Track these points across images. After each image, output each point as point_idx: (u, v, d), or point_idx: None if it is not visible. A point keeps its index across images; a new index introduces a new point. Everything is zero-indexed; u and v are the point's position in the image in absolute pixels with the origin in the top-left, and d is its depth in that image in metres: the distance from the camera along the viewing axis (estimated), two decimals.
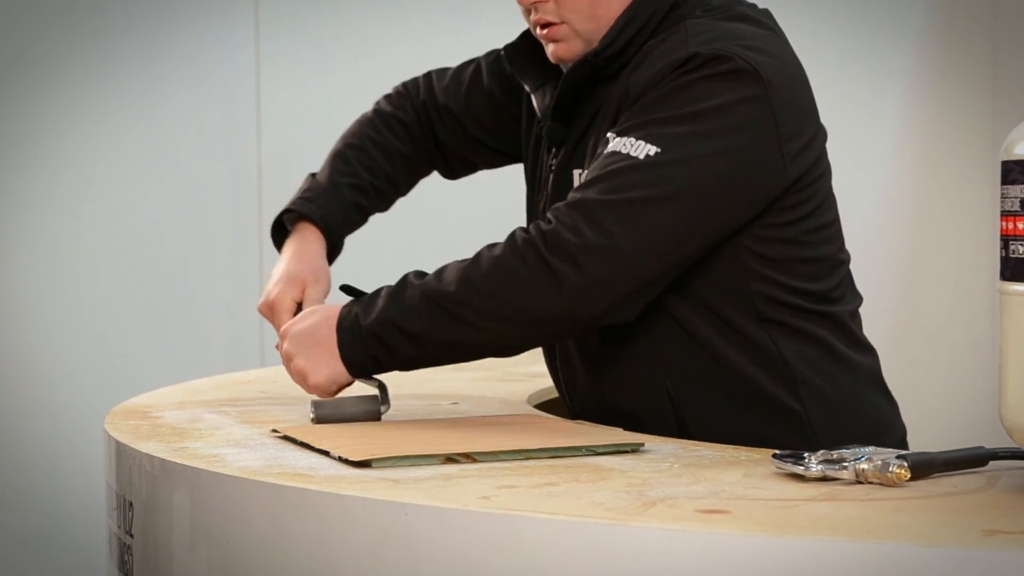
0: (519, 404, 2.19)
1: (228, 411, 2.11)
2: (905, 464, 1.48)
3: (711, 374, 1.98)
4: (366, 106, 2.60)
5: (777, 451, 1.58)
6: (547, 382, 2.45)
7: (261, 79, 4.27)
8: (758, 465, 1.62)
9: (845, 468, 1.50)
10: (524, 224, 2.20)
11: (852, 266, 2.18)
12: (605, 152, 1.92)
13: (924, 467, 1.51)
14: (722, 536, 1.31)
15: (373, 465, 1.63)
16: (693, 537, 1.31)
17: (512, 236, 1.92)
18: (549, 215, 1.91)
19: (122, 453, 1.86)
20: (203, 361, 4.08)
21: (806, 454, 1.53)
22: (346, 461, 1.66)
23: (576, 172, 2.04)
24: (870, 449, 1.53)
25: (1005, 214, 1.43)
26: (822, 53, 4.68)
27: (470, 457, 1.67)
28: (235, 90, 4.26)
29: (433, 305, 1.90)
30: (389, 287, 1.96)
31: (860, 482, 1.49)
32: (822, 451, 1.53)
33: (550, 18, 2.04)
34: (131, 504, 1.82)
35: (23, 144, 4.12)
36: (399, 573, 1.44)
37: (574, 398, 2.12)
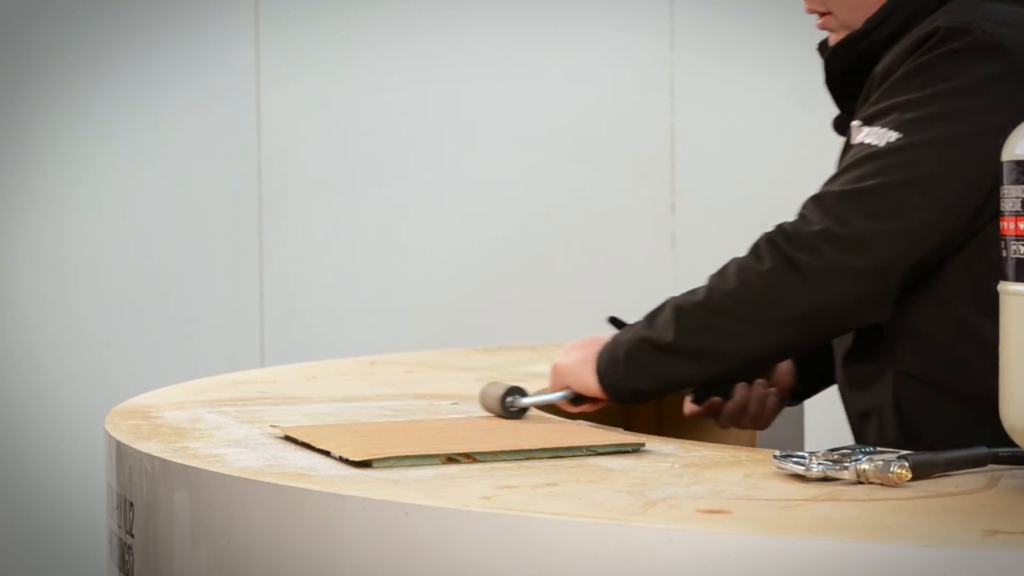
0: None
1: (228, 411, 2.11)
2: (906, 464, 1.48)
3: (942, 375, 1.87)
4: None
5: (777, 451, 1.58)
6: (547, 382, 2.45)
7: (261, 79, 4.27)
8: (758, 465, 1.62)
9: (846, 468, 1.49)
10: None
11: None
12: (854, 142, 1.86)
13: (925, 467, 1.51)
14: (722, 536, 1.31)
15: (373, 465, 1.63)
16: (693, 537, 1.31)
17: (757, 239, 1.88)
18: (799, 211, 1.86)
19: (122, 453, 1.86)
20: (203, 361, 4.08)
21: (807, 454, 1.53)
22: (346, 461, 1.66)
23: None
24: (871, 449, 1.53)
25: (1005, 214, 1.43)
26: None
27: (471, 457, 1.67)
28: (235, 90, 4.26)
29: (683, 315, 1.87)
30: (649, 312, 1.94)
31: (861, 482, 1.49)
32: (823, 451, 1.53)
33: (817, 7, 1.99)
34: (131, 504, 1.82)
35: (23, 144, 4.12)
36: (399, 573, 1.44)
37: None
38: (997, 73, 1.79)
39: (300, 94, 4.29)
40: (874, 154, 1.80)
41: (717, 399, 2.16)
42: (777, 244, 1.82)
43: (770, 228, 1.87)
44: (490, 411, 1.98)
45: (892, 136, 1.80)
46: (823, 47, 2.08)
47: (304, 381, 2.53)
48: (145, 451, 1.78)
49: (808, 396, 2.24)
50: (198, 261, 4.25)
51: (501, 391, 1.96)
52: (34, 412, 4.10)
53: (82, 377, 4.10)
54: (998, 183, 1.64)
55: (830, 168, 1.96)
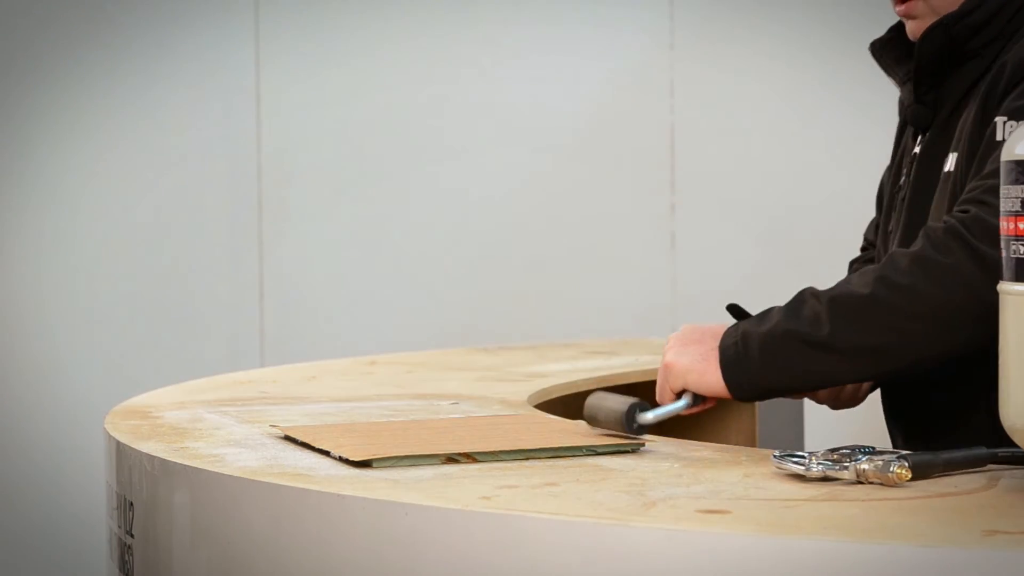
0: (519, 404, 2.19)
1: (228, 411, 2.11)
2: (906, 464, 1.48)
3: None
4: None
5: (777, 451, 1.58)
6: (547, 382, 2.45)
7: (261, 79, 4.27)
8: (758, 465, 1.62)
9: (846, 468, 1.49)
10: (865, 228, 2.07)
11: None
12: (1003, 138, 1.74)
13: (925, 467, 1.51)
14: (722, 536, 1.31)
15: (373, 465, 1.63)
16: (693, 537, 1.31)
17: (927, 230, 1.73)
18: (963, 206, 1.72)
19: (122, 453, 1.86)
20: (203, 361, 4.08)
21: (807, 454, 1.53)
22: (346, 461, 1.66)
23: (952, 156, 1.88)
24: (871, 449, 1.53)
25: (1005, 214, 1.43)
26: (820, 51, 4.68)
27: (470, 457, 1.67)
28: (235, 90, 4.26)
29: (843, 309, 1.71)
30: (783, 304, 1.78)
31: (861, 482, 1.49)
32: (823, 451, 1.53)
33: None
34: (131, 504, 1.82)
35: (23, 143, 4.12)
36: (399, 573, 1.44)
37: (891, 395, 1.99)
38: None
39: (300, 94, 4.29)
40: None
41: None
42: (961, 236, 1.68)
43: (942, 220, 1.74)
44: (606, 428, 1.77)
45: None
46: (876, 46, 2.02)
47: (304, 381, 2.53)
48: (145, 451, 1.78)
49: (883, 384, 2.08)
50: (198, 261, 4.25)
51: (624, 407, 1.75)
52: (34, 412, 4.10)
53: (82, 377, 4.10)
54: None
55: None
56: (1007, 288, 1.44)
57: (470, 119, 4.38)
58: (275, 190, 4.29)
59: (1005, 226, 1.43)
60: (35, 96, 4.11)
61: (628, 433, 1.74)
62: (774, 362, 1.74)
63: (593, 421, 1.79)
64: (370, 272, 4.34)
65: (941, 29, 1.90)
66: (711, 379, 1.78)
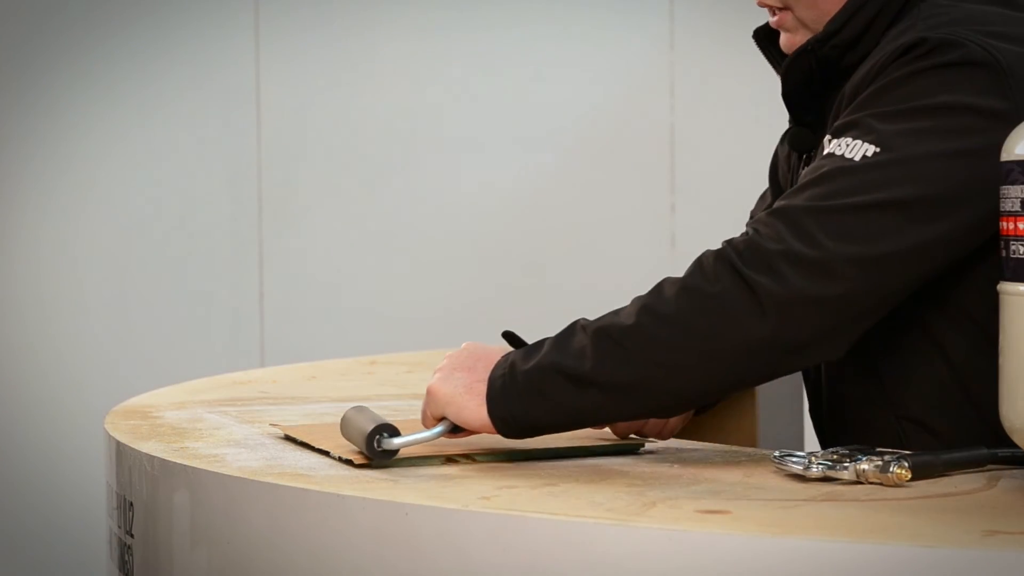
0: None
1: (228, 411, 2.11)
2: (906, 465, 1.48)
3: (967, 413, 1.68)
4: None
5: (777, 451, 1.58)
6: None
7: (261, 79, 4.27)
8: (758, 465, 1.62)
9: (845, 468, 1.49)
10: (754, 205, 2.01)
11: None
12: (821, 155, 1.66)
13: (925, 468, 1.51)
14: (722, 536, 1.31)
15: (373, 466, 1.63)
16: (693, 537, 1.31)
17: (701, 256, 1.62)
18: (748, 227, 1.63)
19: (122, 453, 1.86)
20: (203, 361, 4.08)
21: (807, 454, 1.53)
22: (346, 461, 1.66)
23: None
24: (871, 449, 1.53)
25: (1005, 214, 1.43)
26: None
27: (470, 457, 1.67)
28: (235, 90, 4.26)
29: (606, 341, 1.59)
30: (555, 335, 1.65)
31: (860, 482, 1.49)
32: (822, 451, 1.53)
33: (772, 3, 1.82)
34: (131, 504, 1.82)
35: (22, 143, 4.12)
36: (399, 573, 1.44)
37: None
38: (988, 91, 1.60)
39: (300, 94, 4.30)
40: (848, 168, 1.59)
41: None
42: (730, 263, 1.57)
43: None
44: (353, 444, 1.68)
45: (869, 149, 1.59)
46: (761, 35, 1.92)
47: (304, 381, 2.53)
48: (145, 451, 1.78)
49: (714, 406, 1.91)
50: (198, 261, 4.25)
51: (369, 427, 1.64)
52: (34, 412, 4.10)
53: (82, 377, 4.10)
54: (981, 206, 1.54)
55: None
56: (1007, 288, 1.44)
57: (470, 119, 4.38)
58: (275, 190, 4.29)
59: (1005, 226, 1.43)
60: (34, 95, 4.11)
61: (371, 456, 1.63)
62: (539, 398, 1.61)
63: (345, 436, 1.70)
64: (370, 272, 4.34)
65: (806, 56, 1.77)
66: (469, 415, 1.65)
